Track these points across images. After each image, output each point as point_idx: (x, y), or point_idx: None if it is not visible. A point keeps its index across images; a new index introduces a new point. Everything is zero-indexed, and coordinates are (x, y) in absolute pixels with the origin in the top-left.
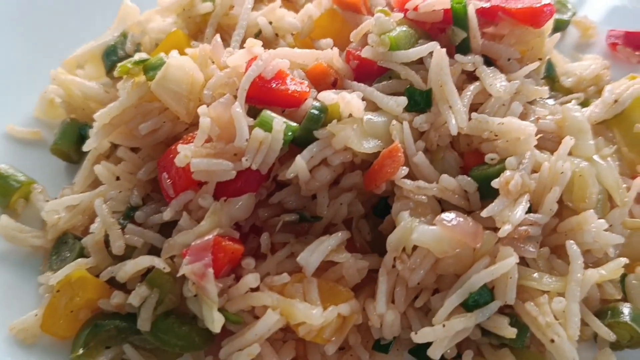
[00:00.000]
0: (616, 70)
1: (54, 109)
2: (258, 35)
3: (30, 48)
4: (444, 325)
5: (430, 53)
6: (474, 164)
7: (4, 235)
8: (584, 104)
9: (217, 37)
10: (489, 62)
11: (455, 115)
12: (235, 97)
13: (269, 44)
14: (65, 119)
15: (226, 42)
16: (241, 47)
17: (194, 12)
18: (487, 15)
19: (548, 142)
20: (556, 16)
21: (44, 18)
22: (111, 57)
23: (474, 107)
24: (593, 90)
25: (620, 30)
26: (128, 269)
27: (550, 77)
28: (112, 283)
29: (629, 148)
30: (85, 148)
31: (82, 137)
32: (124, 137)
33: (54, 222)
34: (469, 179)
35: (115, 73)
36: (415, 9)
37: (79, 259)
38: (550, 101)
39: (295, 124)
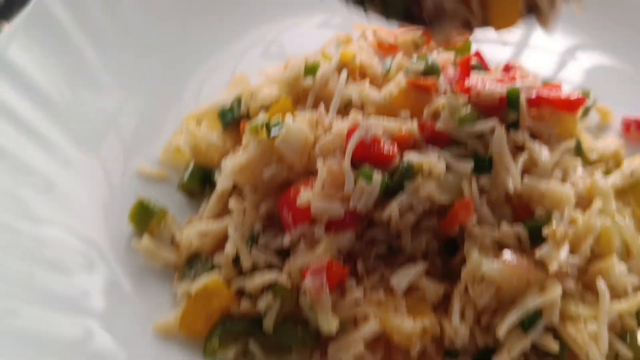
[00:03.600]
0: (629, 147)
1: (179, 154)
2: (348, 104)
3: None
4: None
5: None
6: (523, 215)
7: (145, 252)
8: (606, 173)
9: (322, 106)
10: (532, 137)
11: (513, 177)
12: (342, 154)
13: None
14: (191, 163)
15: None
16: (338, 113)
17: (298, 86)
18: (532, 102)
19: (579, 205)
20: None
21: (171, 79)
22: (227, 116)
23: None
24: (612, 163)
25: (632, 118)
26: (257, 281)
27: (578, 153)
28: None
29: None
30: (218, 188)
31: (207, 178)
32: (248, 179)
33: (188, 245)
34: (522, 227)
35: (247, 131)
36: (478, 94)
37: (211, 272)
38: (580, 170)
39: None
